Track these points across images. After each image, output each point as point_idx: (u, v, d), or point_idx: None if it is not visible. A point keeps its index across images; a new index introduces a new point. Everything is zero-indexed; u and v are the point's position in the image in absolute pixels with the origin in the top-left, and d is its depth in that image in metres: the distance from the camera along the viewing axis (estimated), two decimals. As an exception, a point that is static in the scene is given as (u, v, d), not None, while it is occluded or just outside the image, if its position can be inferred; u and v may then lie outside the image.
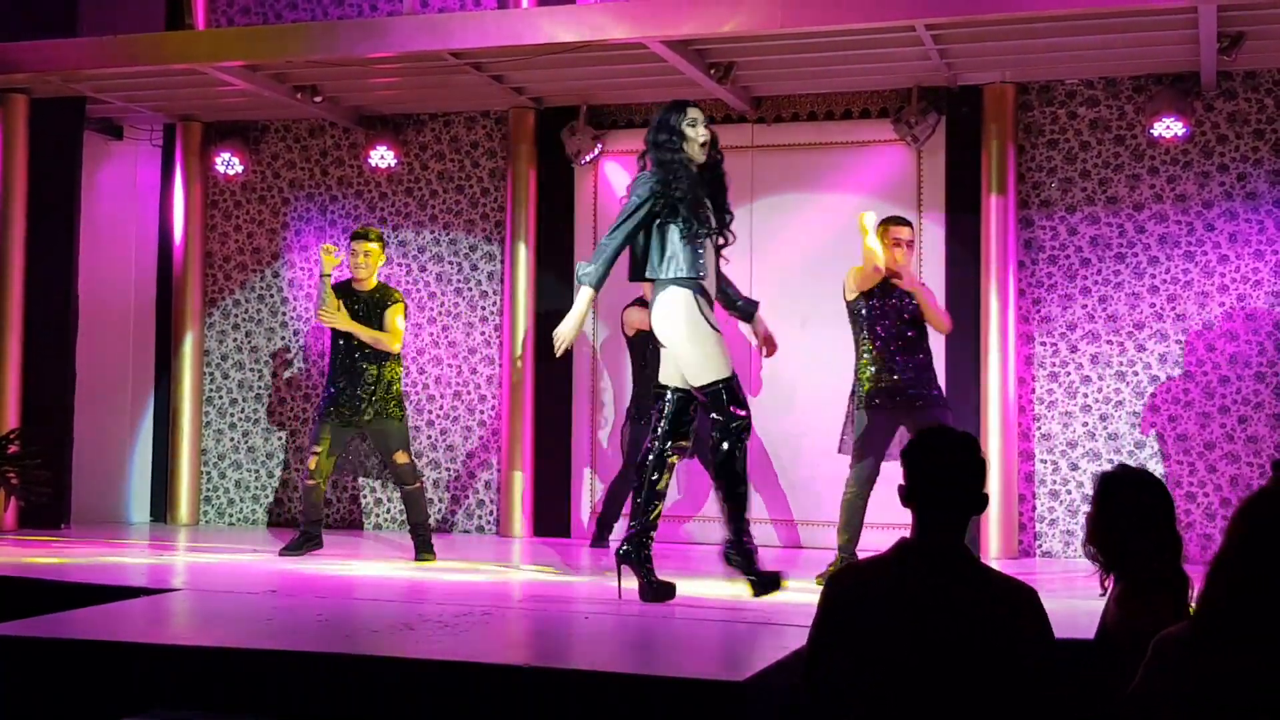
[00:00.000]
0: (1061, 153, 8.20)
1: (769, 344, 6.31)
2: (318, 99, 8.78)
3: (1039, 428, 8.12)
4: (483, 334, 9.17)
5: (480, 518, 9.08)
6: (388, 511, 9.29)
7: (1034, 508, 8.12)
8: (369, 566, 7.23)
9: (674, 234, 5.70)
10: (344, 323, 7.48)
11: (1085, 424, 8.07)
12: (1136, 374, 8.00)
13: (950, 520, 3.25)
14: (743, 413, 5.68)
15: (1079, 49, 7.74)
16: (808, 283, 8.39)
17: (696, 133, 5.81)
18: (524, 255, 8.97)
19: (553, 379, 8.94)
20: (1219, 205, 7.91)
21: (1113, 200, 8.10)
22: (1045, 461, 8.12)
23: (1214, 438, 7.85)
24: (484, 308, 9.18)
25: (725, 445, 5.63)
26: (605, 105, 8.94)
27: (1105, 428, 8.04)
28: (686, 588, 6.45)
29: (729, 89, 8.20)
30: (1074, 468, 8.06)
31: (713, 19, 7.42)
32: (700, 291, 5.70)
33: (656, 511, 5.86)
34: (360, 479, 9.28)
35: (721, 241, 5.93)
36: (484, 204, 9.22)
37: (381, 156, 9.16)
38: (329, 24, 8.92)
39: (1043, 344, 8.16)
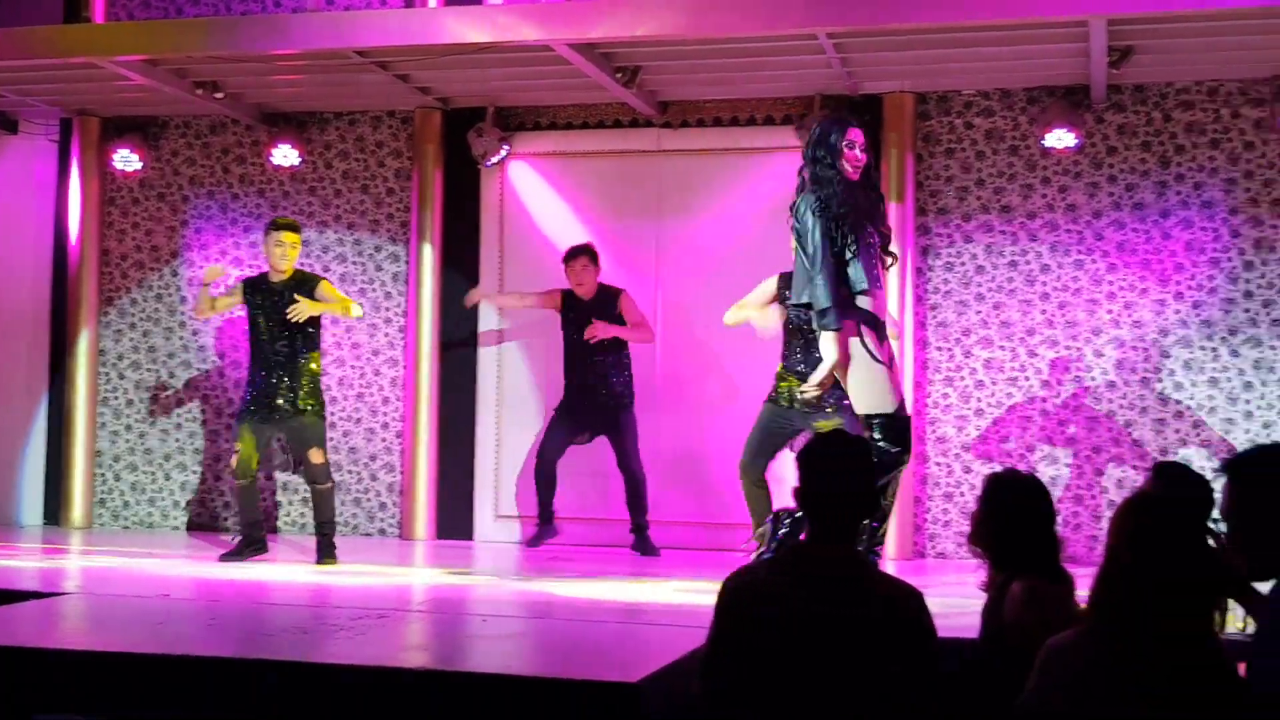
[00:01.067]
0: (958, 162, 8.36)
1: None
2: (219, 95, 8.68)
3: (934, 431, 8.28)
4: (386, 335, 9.13)
5: (383, 520, 9.04)
6: (287, 515, 9.21)
7: (928, 510, 8.28)
8: (267, 570, 7.17)
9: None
10: (312, 308, 7.34)
11: (978, 428, 8.24)
12: (1028, 379, 8.19)
13: (841, 523, 3.32)
14: (895, 449, 5.42)
15: (975, 60, 7.90)
16: (715, 285, 8.46)
17: (855, 154, 5.56)
18: (429, 257, 8.95)
19: (456, 381, 8.93)
20: (1108, 215, 8.12)
21: (1006, 209, 8.28)
22: (940, 464, 8.28)
23: (1101, 441, 8.06)
24: (388, 309, 9.14)
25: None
26: (513, 107, 8.95)
27: (997, 431, 8.21)
28: (588, 590, 6.50)
29: (635, 93, 8.26)
30: (967, 470, 8.22)
31: (620, 23, 7.47)
32: (872, 319, 5.45)
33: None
34: (271, 479, 9.18)
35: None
36: (389, 204, 9.18)
37: (285, 155, 9.08)
38: (231, 20, 8.83)
39: (938, 349, 8.32)
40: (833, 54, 7.71)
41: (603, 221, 8.79)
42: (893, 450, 5.39)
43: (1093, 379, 8.09)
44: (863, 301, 5.44)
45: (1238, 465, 3.10)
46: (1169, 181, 8.03)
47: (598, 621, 5.58)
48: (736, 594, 3.33)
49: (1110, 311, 8.09)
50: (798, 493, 3.36)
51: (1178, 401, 7.96)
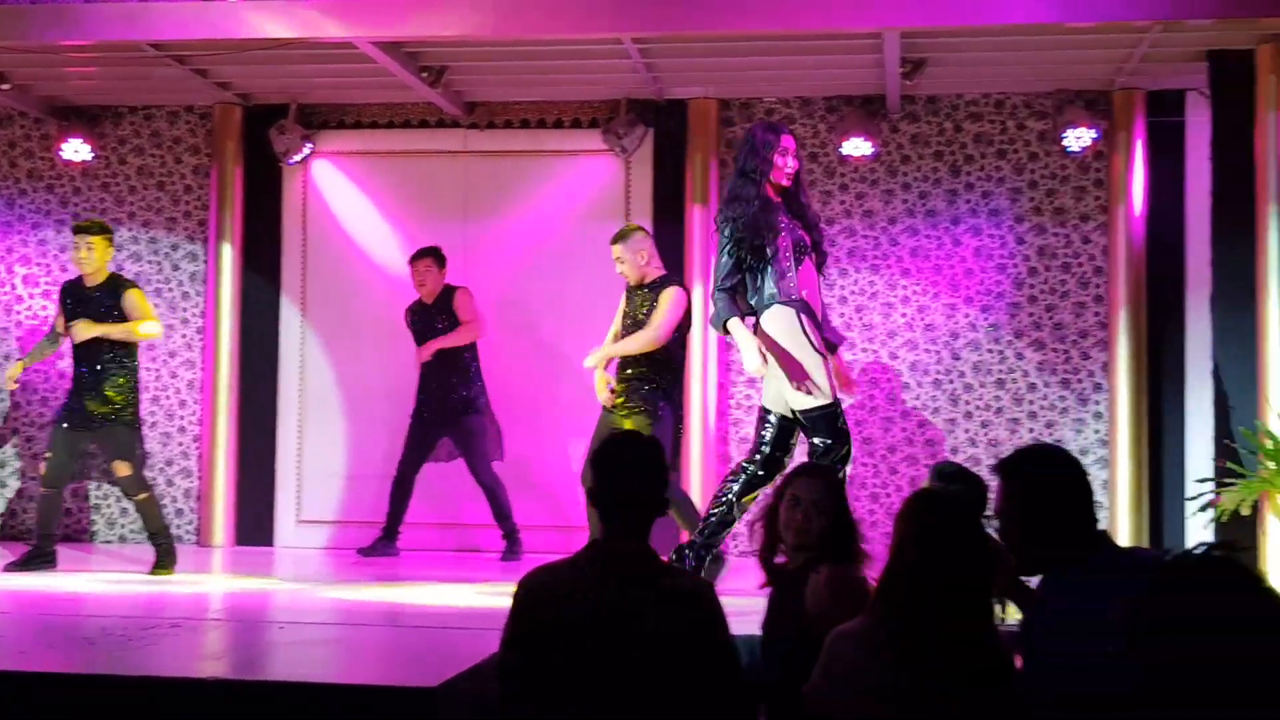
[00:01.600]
0: (761, 167, 8.53)
1: (848, 385, 6.19)
2: (5, 87, 8.31)
3: (737, 432, 8.44)
4: (184, 336, 8.87)
5: (179, 527, 8.77)
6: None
7: (733, 509, 8.43)
8: (70, 580, 6.86)
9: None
10: (87, 330, 7.04)
11: (781, 428, 8.43)
12: (828, 380, 8.41)
13: (632, 522, 3.37)
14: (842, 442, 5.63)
15: (776, 68, 8.09)
16: (523, 286, 8.48)
17: (786, 161, 5.84)
18: (229, 256, 8.74)
19: (257, 383, 8.74)
20: (902, 222, 8.40)
21: (807, 214, 8.48)
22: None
23: (895, 441, 8.33)
24: (185, 309, 8.88)
25: None
26: (316, 104, 8.80)
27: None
28: (393, 594, 6.45)
29: (441, 93, 8.21)
30: (770, 470, 8.40)
31: (426, 23, 7.40)
32: (809, 311, 5.73)
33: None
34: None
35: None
36: (187, 202, 8.93)
37: (75, 150, 8.74)
38: (19, 8, 8.44)
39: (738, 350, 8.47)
40: (638, 59, 7.80)
41: (409, 221, 8.72)
42: (831, 444, 5.58)
43: (888, 380, 8.35)
44: (780, 312, 5.69)
45: (1009, 465, 3.25)
46: (959, 190, 8.34)
47: (399, 627, 5.53)
48: (532, 593, 3.35)
49: (905, 315, 8.36)
50: (590, 493, 3.40)
51: (967, 402, 8.28)
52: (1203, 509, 7.19)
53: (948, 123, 8.40)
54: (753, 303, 5.81)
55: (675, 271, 8.26)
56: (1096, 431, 8.13)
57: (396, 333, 8.35)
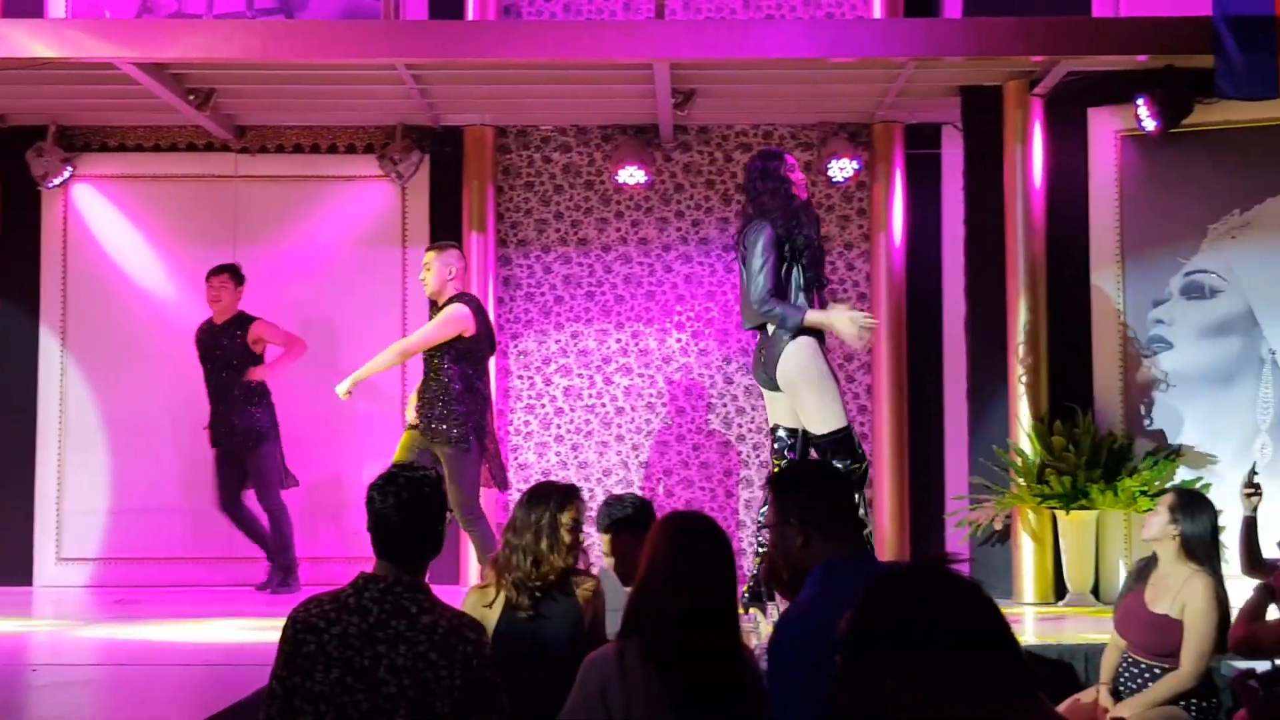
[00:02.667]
0: (537, 195, 8.60)
1: None
2: None
3: (516, 458, 8.45)
4: (-66, 368, 8.43)
5: (-71, 567, 8.33)
6: None
7: (512, 535, 8.43)
8: None
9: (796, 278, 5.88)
10: None
11: (558, 454, 8.49)
12: (604, 405, 8.51)
13: (405, 555, 3.34)
14: (851, 463, 5.74)
15: (552, 96, 8.16)
16: (296, 313, 8.31)
17: (799, 175, 6.02)
18: (-18, 282, 8.35)
19: (14, 415, 8.35)
20: (676, 249, 8.57)
21: (583, 241, 8.59)
22: (519, 490, 8.44)
23: (671, 464, 8.48)
24: (-65, 338, 8.45)
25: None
26: (77, 126, 8.49)
27: (576, 457, 8.49)
28: (155, 632, 6.25)
29: (209, 116, 8.02)
30: (549, 495, 8.44)
31: (192, 45, 7.25)
32: (822, 339, 5.88)
33: None
34: None
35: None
36: (-64, 226, 8.50)
37: None
38: None
39: (520, 377, 8.51)
40: (412, 85, 7.77)
41: (177, 247, 8.48)
42: (851, 465, 5.72)
43: (664, 404, 8.50)
44: (806, 341, 5.86)
45: (780, 479, 3.36)
46: (731, 218, 8.54)
47: (162, 666, 5.36)
48: (297, 624, 3.29)
49: (679, 340, 8.52)
50: (369, 523, 3.35)
51: (740, 425, 8.48)
52: (959, 525, 7.52)
53: (719, 152, 8.61)
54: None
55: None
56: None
57: (163, 362, 8.11)
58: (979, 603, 1.85)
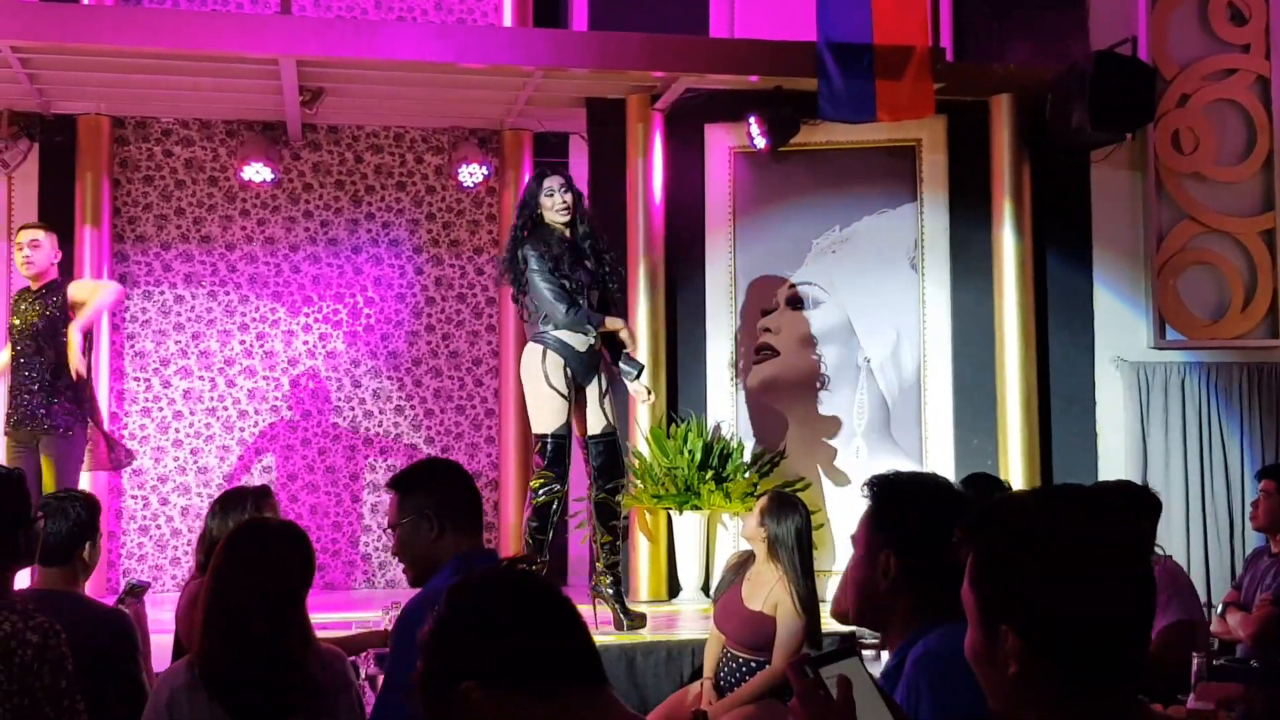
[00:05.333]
0: (157, 189, 8.27)
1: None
2: None
3: (131, 464, 8.07)
4: None
5: None
6: None
7: (123, 545, 8.07)
8: None
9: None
10: None
11: (177, 459, 8.18)
12: (227, 409, 8.26)
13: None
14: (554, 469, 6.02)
15: (173, 89, 7.86)
16: None
17: (554, 200, 5.99)
18: None
19: None
20: (304, 249, 8.41)
21: (206, 239, 8.31)
22: (136, 497, 8.11)
23: (296, 469, 8.31)
24: None
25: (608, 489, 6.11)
26: None
27: (196, 462, 8.20)
28: None
29: None
30: (165, 502, 8.13)
31: None
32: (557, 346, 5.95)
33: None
34: None
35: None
36: None
37: None
38: None
39: (136, 379, 8.16)
40: (19, 69, 7.33)
41: None
42: (554, 470, 5.95)
43: (289, 408, 8.32)
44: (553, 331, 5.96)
45: (408, 477, 3.31)
46: (360, 219, 8.47)
47: None
48: None
49: (306, 343, 8.36)
50: None
51: (368, 429, 8.40)
52: (580, 526, 7.67)
53: (349, 153, 8.50)
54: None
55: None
56: (489, 455, 8.49)
57: None
58: (551, 601, 1.91)
